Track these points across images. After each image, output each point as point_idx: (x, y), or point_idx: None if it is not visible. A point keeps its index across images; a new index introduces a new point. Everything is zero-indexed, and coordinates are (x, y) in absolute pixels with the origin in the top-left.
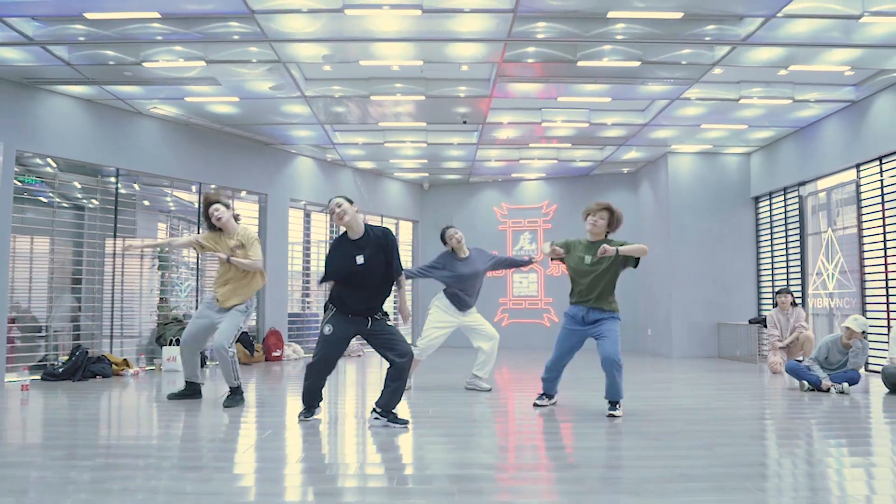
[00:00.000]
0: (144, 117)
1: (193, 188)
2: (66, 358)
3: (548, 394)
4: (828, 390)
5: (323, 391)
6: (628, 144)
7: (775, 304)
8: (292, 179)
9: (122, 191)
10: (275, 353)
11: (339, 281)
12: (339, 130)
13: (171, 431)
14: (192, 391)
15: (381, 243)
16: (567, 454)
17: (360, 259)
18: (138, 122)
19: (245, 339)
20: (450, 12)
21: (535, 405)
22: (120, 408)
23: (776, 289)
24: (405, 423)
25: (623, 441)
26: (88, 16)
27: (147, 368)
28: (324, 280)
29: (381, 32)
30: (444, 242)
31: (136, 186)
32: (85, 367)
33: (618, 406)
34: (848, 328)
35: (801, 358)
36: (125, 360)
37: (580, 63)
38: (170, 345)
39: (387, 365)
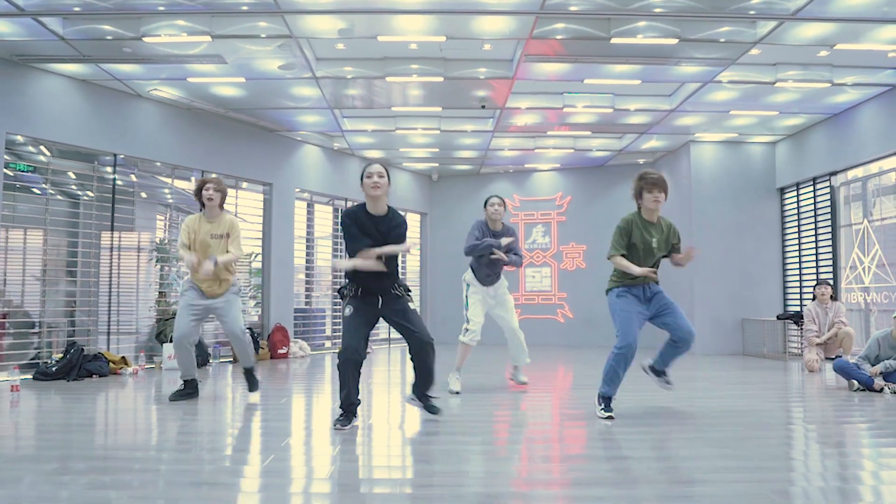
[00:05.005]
0: (144, 100)
1: (193, 178)
2: (60, 356)
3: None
4: (881, 390)
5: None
6: (650, 133)
7: (814, 298)
8: (298, 169)
9: (119, 182)
10: (280, 351)
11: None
12: (349, 117)
13: (175, 438)
14: (192, 389)
15: (396, 230)
16: (628, 465)
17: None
18: (137, 105)
19: (250, 336)
20: None
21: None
22: (117, 410)
23: (815, 281)
24: (436, 410)
25: (690, 449)
26: None
27: (147, 367)
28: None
29: (403, 4)
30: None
31: (132, 177)
32: (80, 366)
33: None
34: None
35: (839, 355)
36: (123, 357)
37: (613, 40)
38: (170, 342)
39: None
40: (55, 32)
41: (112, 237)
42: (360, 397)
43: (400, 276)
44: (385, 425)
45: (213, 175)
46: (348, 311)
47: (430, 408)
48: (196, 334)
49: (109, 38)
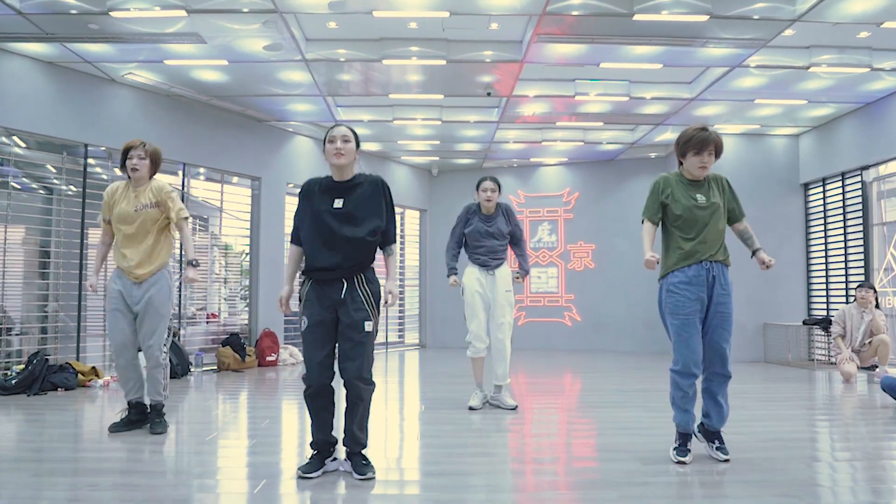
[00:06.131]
0: (118, 86)
1: (179, 172)
2: (22, 367)
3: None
4: None
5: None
6: (666, 123)
7: (854, 300)
8: (289, 162)
9: (105, 176)
10: (269, 358)
11: (309, 231)
12: (343, 105)
13: (122, 480)
14: (138, 416)
15: (372, 192)
16: None
17: (338, 203)
18: (111, 91)
19: (236, 342)
20: None
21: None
22: (77, 436)
23: (844, 283)
24: (369, 474)
25: (755, 501)
26: None
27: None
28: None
29: None
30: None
31: (117, 171)
32: (44, 379)
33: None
34: None
35: (875, 365)
36: (94, 368)
37: (637, 17)
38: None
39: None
40: (11, 6)
41: (83, 234)
42: (335, 434)
43: (371, 274)
44: (379, 437)
45: (201, 170)
46: (304, 323)
47: (363, 470)
48: (135, 342)
49: (74, 12)
